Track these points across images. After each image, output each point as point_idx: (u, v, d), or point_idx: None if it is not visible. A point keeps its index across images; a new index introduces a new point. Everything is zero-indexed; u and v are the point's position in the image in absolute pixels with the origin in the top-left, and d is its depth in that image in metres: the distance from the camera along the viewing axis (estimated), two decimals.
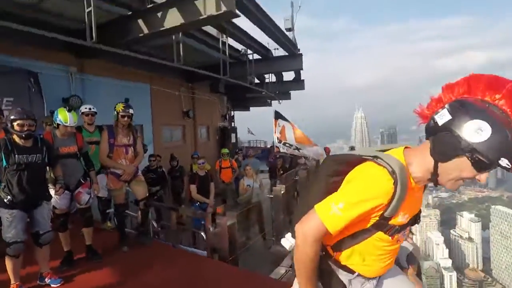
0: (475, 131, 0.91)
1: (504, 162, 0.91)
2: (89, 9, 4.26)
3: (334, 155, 1.30)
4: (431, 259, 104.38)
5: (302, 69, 10.62)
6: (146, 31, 5.77)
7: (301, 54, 9.93)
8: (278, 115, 7.43)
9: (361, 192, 1.05)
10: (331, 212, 1.07)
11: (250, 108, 19.57)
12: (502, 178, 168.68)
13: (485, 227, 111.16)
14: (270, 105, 18.68)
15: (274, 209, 5.84)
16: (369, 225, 1.18)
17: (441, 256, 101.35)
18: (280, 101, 17.47)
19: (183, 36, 7.57)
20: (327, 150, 10.45)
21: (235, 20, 8.73)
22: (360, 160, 1.14)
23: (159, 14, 5.64)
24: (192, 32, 7.38)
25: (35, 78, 5.76)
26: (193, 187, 6.17)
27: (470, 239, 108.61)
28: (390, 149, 1.18)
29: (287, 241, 1.53)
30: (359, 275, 1.33)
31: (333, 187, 1.21)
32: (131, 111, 3.99)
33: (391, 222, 1.14)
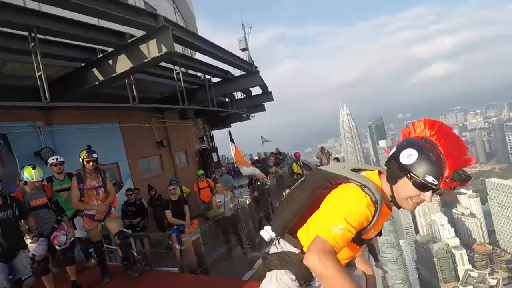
0: (407, 156, 1.25)
1: (430, 178, 1.20)
2: (39, 73, 4.79)
3: (324, 172, 1.52)
4: (438, 240, 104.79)
5: (261, 84, 11.31)
6: (101, 78, 6.33)
7: (257, 71, 10.63)
8: (230, 137, 8.01)
9: (355, 217, 1.30)
10: (333, 232, 1.26)
11: (231, 124, 20.13)
12: (490, 151, 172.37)
13: (484, 201, 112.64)
14: (249, 119, 19.32)
15: (243, 219, 6.32)
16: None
17: (448, 236, 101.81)
18: (253, 115, 18.13)
19: (141, 74, 8.17)
20: (297, 155, 11.03)
21: (186, 52, 9.39)
22: (346, 181, 1.40)
23: (110, 62, 6.22)
24: (147, 69, 7.98)
25: (4, 139, 6.20)
26: (168, 212, 6.60)
27: (472, 215, 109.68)
28: (368, 169, 1.51)
29: (266, 233, 1.75)
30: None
31: (317, 197, 1.50)
32: (94, 155, 4.46)
33: (363, 237, 1.46)
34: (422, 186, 1.24)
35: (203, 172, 9.43)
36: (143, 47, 5.86)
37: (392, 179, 1.34)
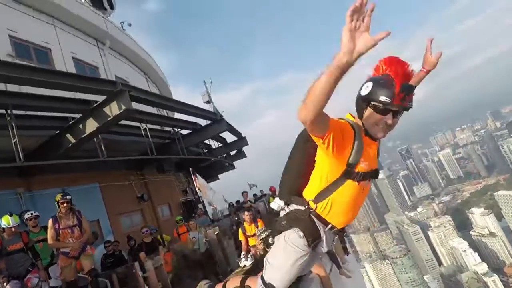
0: (365, 88, 1.55)
1: (383, 98, 1.47)
2: (14, 140, 5.71)
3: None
4: (465, 269, 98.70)
5: (229, 129, 12.46)
6: (73, 140, 7.26)
7: (222, 118, 11.83)
8: (193, 173, 8.80)
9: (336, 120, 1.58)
10: None
11: (219, 176, 20.66)
12: (488, 164, 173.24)
13: (499, 217, 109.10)
14: (233, 167, 20.04)
15: (212, 250, 6.76)
16: (340, 173, 1.65)
17: (473, 262, 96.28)
18: (236, 162, 18.91)
19: (117, 135, 9.17)
20: (272, 189, 11.65)
21: (151, 110, 10.58)
22: None
23: (80, 126, 7.23)
24: (116, 129, 9.00)
25: None
26: (142, 254, 7.01)
27: (491, 234, 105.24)
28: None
29: (275, 204, 1.89)
30: (331, 227, 1.77)
31: (310, 153, 1.72)
32: (68, 197, 5.11)
33: (356, 169, 1.63)
34: (382, 110, 1.53)
35: (181, 217, 9.91)
36: (106, 109, 6.94)
37: (360, 112, 1.64)
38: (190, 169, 9.03)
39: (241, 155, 18.76)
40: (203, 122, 12.13)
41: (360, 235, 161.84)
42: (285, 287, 1.83)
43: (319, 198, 1.73)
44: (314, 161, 1.73)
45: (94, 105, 7.01)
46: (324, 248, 1.84)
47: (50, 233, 4.98)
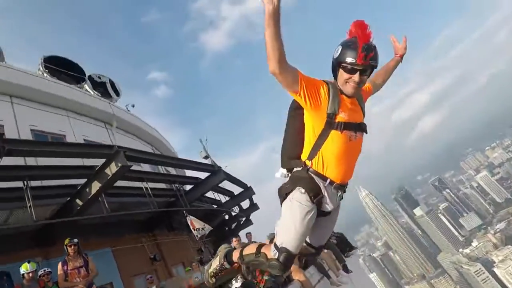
0: (335, 52, 1.83)
1: (349, 59, 1.75)
2: (29, 204, 6.76)
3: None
4: None
5: (227, 178, 13.24)
6: (80, 203, 8.25)
7: (220, 168, 12.73)
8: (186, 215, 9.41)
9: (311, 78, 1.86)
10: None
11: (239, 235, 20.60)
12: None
13: None
14: (251, 222, 20.05)
15: None
16: (324, 125, 1.86)
17: None
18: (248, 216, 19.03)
19: (125, 197, 10.15)
20: (248, 236, 11.63)
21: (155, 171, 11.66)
22: None
23: (87, 189, 8.30)
24: (122, 191, 9.99)
25: (7, 276, 7.55)
26: None
27: None
28: None
29: (278, 172, 2.06)
30: (330, 182, 1.92)
31: (301, 117, 1.96)
32: (75, 240, 5.91)
33: (337, 119, 1.85)
34: (350, 70, 1.80)
35: (189, 268, 10.15)
36: (107, 170, 8.06)
37: (334, 74, 1.91)
38: (184, 211, 9.60)
39: (254, 207, 18.94)
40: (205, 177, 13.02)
41: (416, 285, 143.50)
42: (297, 247, 1.91)
43: (312, 154, 1.91)
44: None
45: (96, 169, 8.17)
46: (329, 205, 1.97)
47: (59, 275, 5.66)
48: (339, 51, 1.81)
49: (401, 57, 2.40)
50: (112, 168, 7.94)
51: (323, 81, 1.92)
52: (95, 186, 8.15)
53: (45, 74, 12.94)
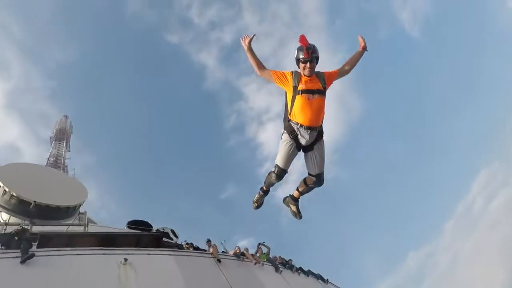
0: (295, 53, 3.23)
1: (300, 55, 3.16)
2: None
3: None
4: None
5: None
6: None
7: None
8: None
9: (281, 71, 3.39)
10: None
11: None
12: None
13: None
14: None
15: None
16: (292, 93, 3.25)
17: None
18: None
19: None
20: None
21: None
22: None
23: None
24: None
25: None
26: None
27: None
28: None
29: (281, 133, 3.51)
30: (300, 125, 3.28)
31: (285, 98, 3.38)
32: None
33: (298, 88, 3.22)
34: (302, 62, 3.18)
35: None
36: None
37: (298, 65, 3.28)
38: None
39: None
40: None
41: None
42: (283, 163, 3.45)
43: (290, 111, 3.32)
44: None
45: None
46: (302, 139, 3.34)
47: None
48: (296, 53, 3.20)
49: (363, 48, 3.44)
50: None
51: (291, 71, 3.31)
52: None
53: None
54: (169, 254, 8.02)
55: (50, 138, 34.65)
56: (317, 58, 3.16)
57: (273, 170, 3.51)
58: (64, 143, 33.89)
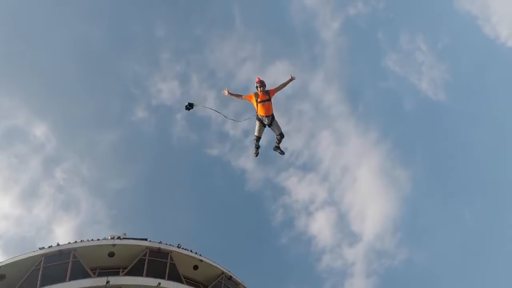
0: (255, 83, 6.79)
1: (256, 85, 6.54)
2: None
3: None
4: None
5: None
6: None
7: None
8: None
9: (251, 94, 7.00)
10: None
11: None
12: None
13: None
14: None
15: None
16: (256, 103, 6.63)
17: None
18: None
19: None
20: None
21: None
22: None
23: None
24: None
25: None
26: None
27: None
28: None
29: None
30: (260, 115, 6.76)
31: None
32: None
33: (258, 100, 6.58)
34: (256, 88, 6.55)
35: None
36: None
37: (256, 89, 6.68)
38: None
39: None
40: None
41: None
42: (257, 133, 7.06)
43: (257, 111, 6.70)
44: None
45: None
46: (264, 121, 6.77)
47: None
48: (256, 84, 6.43)
49: (291, 79, 6.70)
50: None
51: (254, 93, 6.57)
52: None
53: None
54: None
55: None
56: (264, 85, 6.38)
57: (254, 138, 7.18)
58: None
